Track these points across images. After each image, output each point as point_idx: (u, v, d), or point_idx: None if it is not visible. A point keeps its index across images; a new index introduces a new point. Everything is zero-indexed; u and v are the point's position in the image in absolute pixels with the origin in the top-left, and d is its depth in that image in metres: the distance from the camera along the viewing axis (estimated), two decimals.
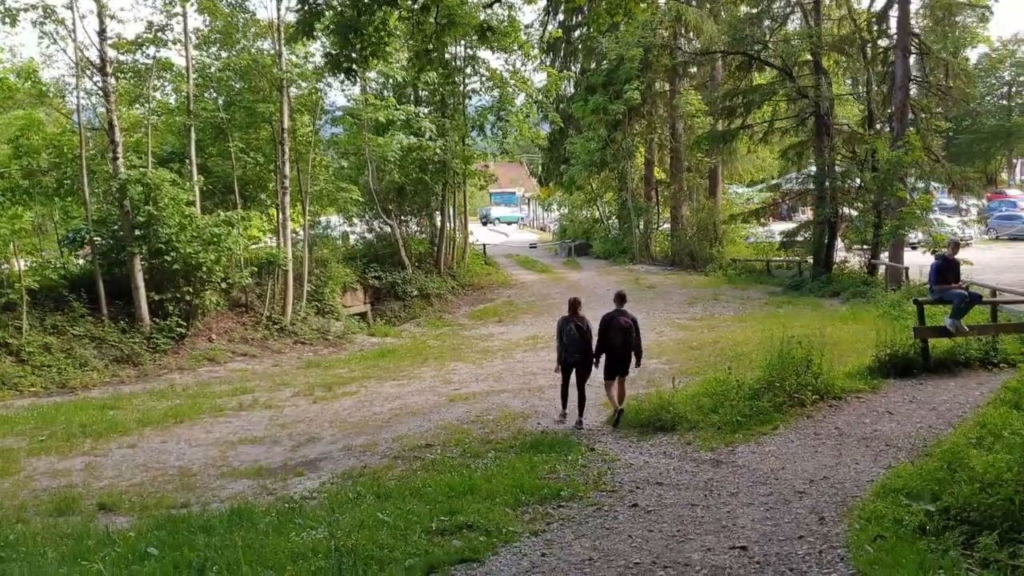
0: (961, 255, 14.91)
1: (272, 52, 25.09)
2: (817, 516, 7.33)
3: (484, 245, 43.30)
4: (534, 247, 50.56)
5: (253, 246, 25.59)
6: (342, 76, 11.44)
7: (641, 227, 39.35)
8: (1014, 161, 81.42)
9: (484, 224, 74.66)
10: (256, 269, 24.46)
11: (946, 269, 13.88)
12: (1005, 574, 5.42)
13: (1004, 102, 75.09)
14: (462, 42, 31.01)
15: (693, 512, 7.69)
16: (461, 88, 33.88)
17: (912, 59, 26.59)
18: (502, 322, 26.31)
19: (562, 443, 10.72)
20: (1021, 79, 75.18)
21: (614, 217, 43.78)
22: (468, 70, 33.87)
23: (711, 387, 12.21)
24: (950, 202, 45.76)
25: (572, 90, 43.07)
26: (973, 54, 58.77)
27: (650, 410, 11.68)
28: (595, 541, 7.04)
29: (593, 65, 40.23)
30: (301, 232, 26.82)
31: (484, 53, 34.14)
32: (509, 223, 74.95)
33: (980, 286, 14.63)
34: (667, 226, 40.55)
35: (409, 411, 14.19)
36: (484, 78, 34.85)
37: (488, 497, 8.32)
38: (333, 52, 11.02)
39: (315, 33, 11.01)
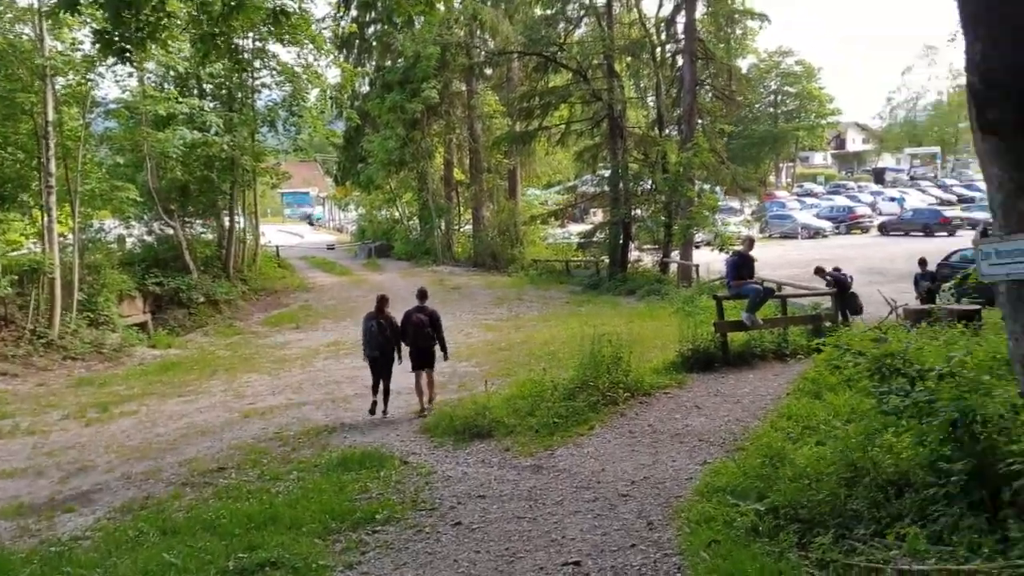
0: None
1: (32, 37, 22.43)
2: (645, 521, 7.06)
3: (277, 247, 41.38)
4: (332, 248, 49.04)
5: (13, 252, 22.77)
6: (115, 60, 10.11)
7: (443, 228, 39.04)
8: (780, 165, 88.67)
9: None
10: (17, 278, 21.74)
11: (742, 265, 14.36)
12: (840, 574, 5.31)
13: (772, 110, 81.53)
14: (250, 34, 29.34)
15: (520, 526, 7.21)
16: (250, 82, 32.04)
17: (698, 64, 27.86)
18: (300, 328, 24.98)
19: (373, 457, 9.93)
20: (786, 88, 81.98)
21: (415, 218, 43.21)
22: (257, 63, 32.08)
23: (526, 389, 11.88)
24: (730, 203, 48.90)
25: (368, 88, 42.09)
26: (744, 64, 63.19)
27: (465, 416, 11.14)
28: (418, 570, 6.39)
29: (389, 62, 39.45)
30: (71, 236, 24.19)
31: (275, 47, 32.51)
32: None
33: (771, 281, 15.29)
34: (469, 227, 40.48)
35: (198, 430, 12.81)
36: (275, 72, 33.16)
37: (293, 526, 7.45)
38: (105, 30, 9.67)
39: (80, 7, 9.61)
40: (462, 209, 41.25)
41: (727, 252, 23.27)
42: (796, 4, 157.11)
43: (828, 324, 15.29)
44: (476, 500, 8.05)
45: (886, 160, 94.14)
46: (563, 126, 31.64)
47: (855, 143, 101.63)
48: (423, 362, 12.33)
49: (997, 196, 5.62)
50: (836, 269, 17.45)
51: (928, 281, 18.18)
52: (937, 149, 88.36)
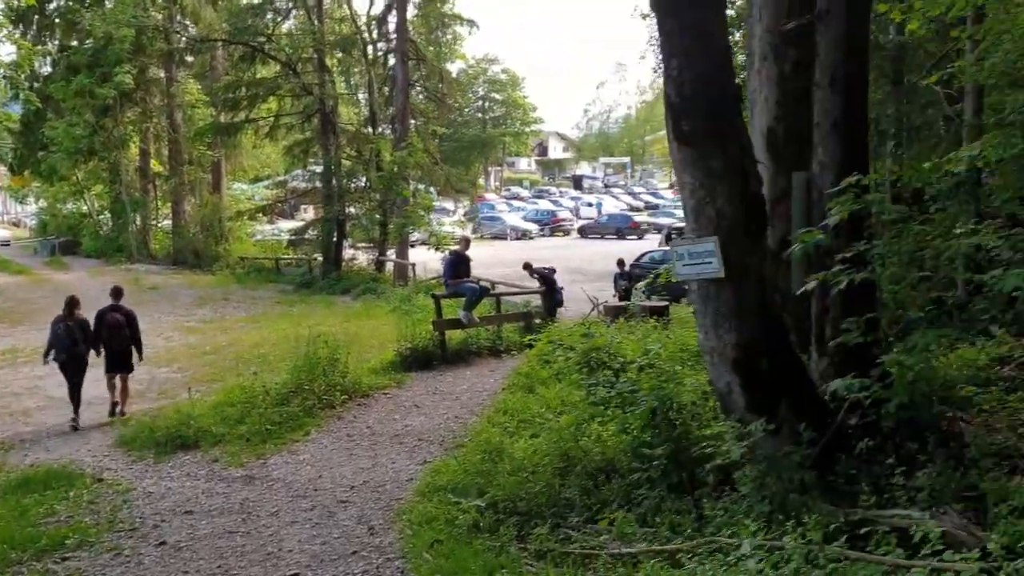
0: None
1: None
2: (366, 526, 6.90)
3: None
4: (6, 245, 43.60)
5: None
6: None
7: (138, 223, 36.06)
8: (489, 169, 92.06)
9: None
10: None
11: (458, 264, 14.64)
12: (557, 563, 5.49)
13: (480, 115, 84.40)
14: None
15: (233, 541, 6.75)
16: None
17: (411, 65, 28.09)
18: None
19: (60, 476, 8.83)
20: (492, 95, 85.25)
21: (107, 212, 39.48)
22: None
23: (235, 395, 11.21)
24: (443, 204, 49.92)
25: (51, 68, 37.84)
26: (453, 69, 64.84)
27: (167, 426, 10.28)
28: None
29: (76, 42, 35.72)
30: None
31: None
32: None
33: (486, 280, 15.75)
34: (168, 222, 37.74)
35: None
36: None
37: None
38: None
39: None
40: (160, 203, 38.35)
41: (442, 251, 23.70)
42: (530, 4, 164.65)
43: (538, 321, 16.05)
44: (182, 517, 7.43)
45: (584, 168, 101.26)
46: (272, 119, 30.48)
47: (556, 151, 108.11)
48: (118, 364, 11.63)
49: (690, 202, 6.11)
50: (551, 270, 18.35)
51: (625, 280, 19.68)
52: (627, 159, 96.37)
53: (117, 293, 12.12)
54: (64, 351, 11.29)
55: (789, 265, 6.84)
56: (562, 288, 17.64)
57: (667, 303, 15.59)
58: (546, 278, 19.14)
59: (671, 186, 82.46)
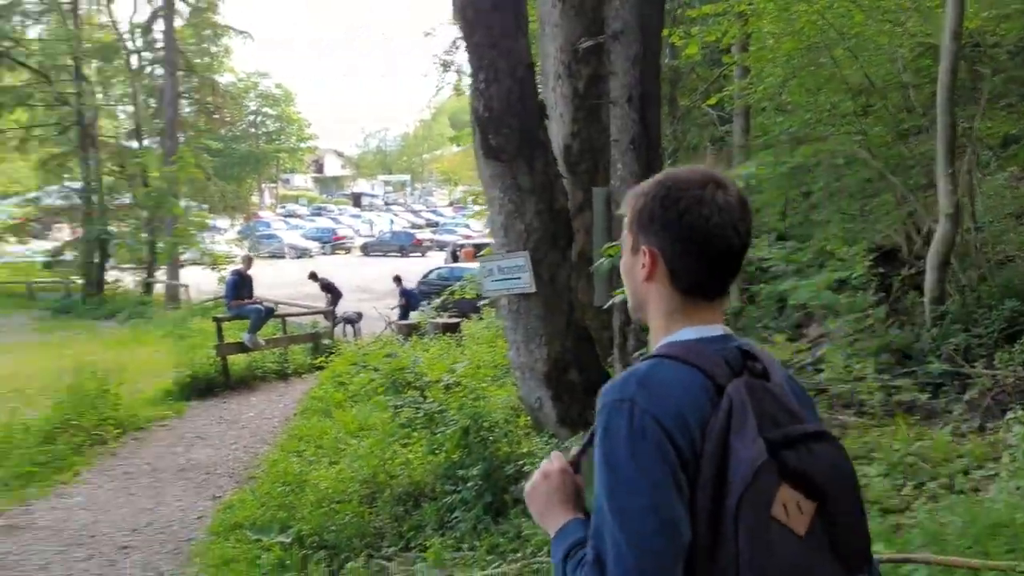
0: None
1: None
2: (155, 574, 6.27)
3: None
4: None
5: None
6: None
7: None
8: (263, 186, 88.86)
9: None
10: None
11: (241, 284, 13.86)
12: None
13: (253, 130, 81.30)
14: None
15: None
16: None
17: (180, 76, 26.51)
18: None
19: None
20: (264, 109, 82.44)
21: None
22: None
23: None
24: (216, 222, 47.40)
25: None
26: (223, 81, 62.08)
27: None
28: None
29: None
30: None
31: None
32: None
33: (271, 301, 15.02)
34: None
35: None
36: None
37: None
38: None
39: None
40: None
41: (219, 271, 22.47)
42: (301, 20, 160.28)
43: (327, 341, 15.56)
44: None
45: (362, 185, 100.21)
46: (22, 130, 27.63)
47: (334, 168, 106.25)
48: None
49: (498, 217, 6.08)
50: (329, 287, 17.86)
51: (403, 298, 19.52)
52: (407, 177, 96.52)
53: None
54: None
55: (590, 278, 7.00)
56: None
57: (459, 320, 15.64)
58: (331, 287, 18.79)
59: (451, 204, 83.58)
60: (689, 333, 1.46)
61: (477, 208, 68.14)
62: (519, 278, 5.94)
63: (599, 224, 6.92)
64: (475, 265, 25.17)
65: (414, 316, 16.98)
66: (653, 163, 6.78)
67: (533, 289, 5.90)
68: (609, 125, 6.96)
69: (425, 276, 24.89)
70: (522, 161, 5.84)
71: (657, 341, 1.51)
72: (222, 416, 11.51)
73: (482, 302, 15.07)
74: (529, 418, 6.50)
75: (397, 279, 19.97)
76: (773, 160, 8.92)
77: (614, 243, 5.98)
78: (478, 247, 30.08)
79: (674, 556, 1.29)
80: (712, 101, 10.16)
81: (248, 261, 14.51)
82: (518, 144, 5.80)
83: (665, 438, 1.31)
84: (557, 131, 8.01)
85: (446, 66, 20.92)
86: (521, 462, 5.85)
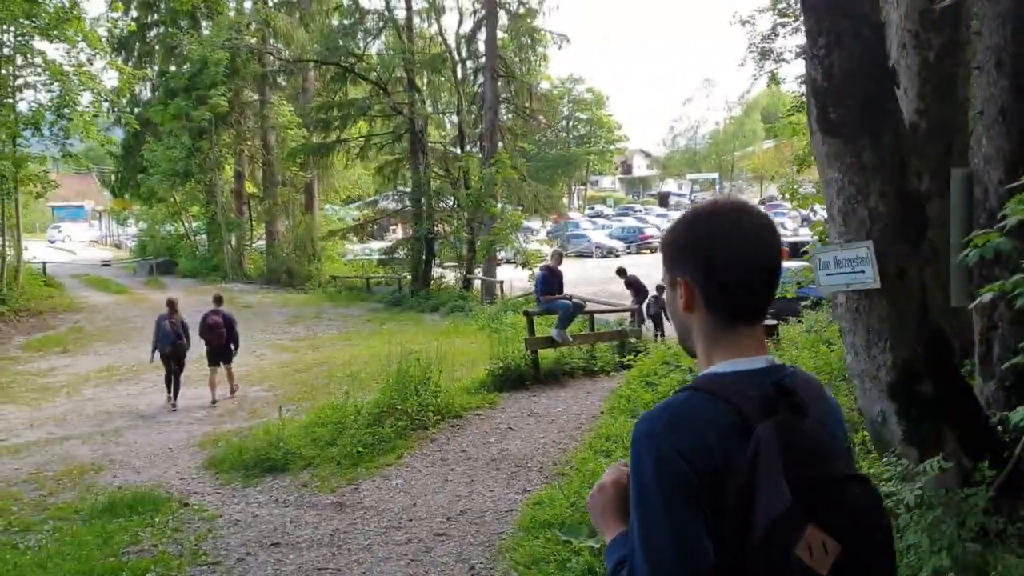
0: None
1: None
2: (467, 565, 6.27)
3: (45, 264, 37.30)
4: (107, 265, 44.94)
5: None
6: None
7: (233, 243, 36.71)
8: (572, 188, 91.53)
9: (51, 243, 63.61)
10: None
11: (551, 280, 13.98)
12: None
13: (564, 134, 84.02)
14: (11, 28, 26.29)
15: None
16: (11, 81, 28.62)
17: (500, 82, 27.75)
18: (68, 352, 22.23)
19: (147, 499, 8.48)
20: (577, 114, 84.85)
21: (203, 233, 40.38)
22: (19, 59, 28.73)
23: (326, 415, 10.77)
24: (528, 224, 49.42)
25: (150, 93, 39.05)
26: (540, 87, 64.62)
27: (255, 448, 9.91)
28: None
29: (173, 68, 36.76)
30: None
31: (42, 44, 29.24)
32: None
33: (580, 297, 15.06)
34: (262, 243, 38.29)
35: None
36: (40, 70, 29.81)
37: None
38: None
39: None
40: (255, 224, 38.97)
41: (530, 268, 23.14)
42: (614, 22, 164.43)
43: (633, 340, 15.29)
44: (269, 549, 6.92)
45: (669, 185, 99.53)
46: (363, 139, 30.53)
47: (640, 169, 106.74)
48: (219, 358, 13.90)
49: (836, 201, 5.33)
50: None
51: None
52: (716, 175, 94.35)
53: (218, 300, 14.66)
54: (169, 344, 13.43)
55: (941, 274, 5.99)
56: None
57: (775, 322, 14.66)
58: (636, 285, 18.41)
59: (762, 202, 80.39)
60: (727, 366, 1.52)
61: (788, 208, 65.06)
62: (861, 271, 5.16)
63: (958, 210, 5.88)
64: (792, 264, 23.72)
65: None
66: None
67: (877, 284, 5.09)
68: (964, 100, 5.90)
69: None
70: (866, 136, 5.05)
71: (701, 370, 1.57)
72: (532, 409, 11.62)
73: (804, 303, 14.01)
74: (867, 434, 5.67)
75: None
76: None
77: (987, 230, 4.98)
78: (793, 246, 28.44)
79: None
80: None
81: (558, 257, 14.63)
82: (862, 116, 5.03)
83: (691, 471, 1.39)
84: (902, 108, 7.01)
85: (765, 54, 19.84)
86: None
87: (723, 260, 1.51)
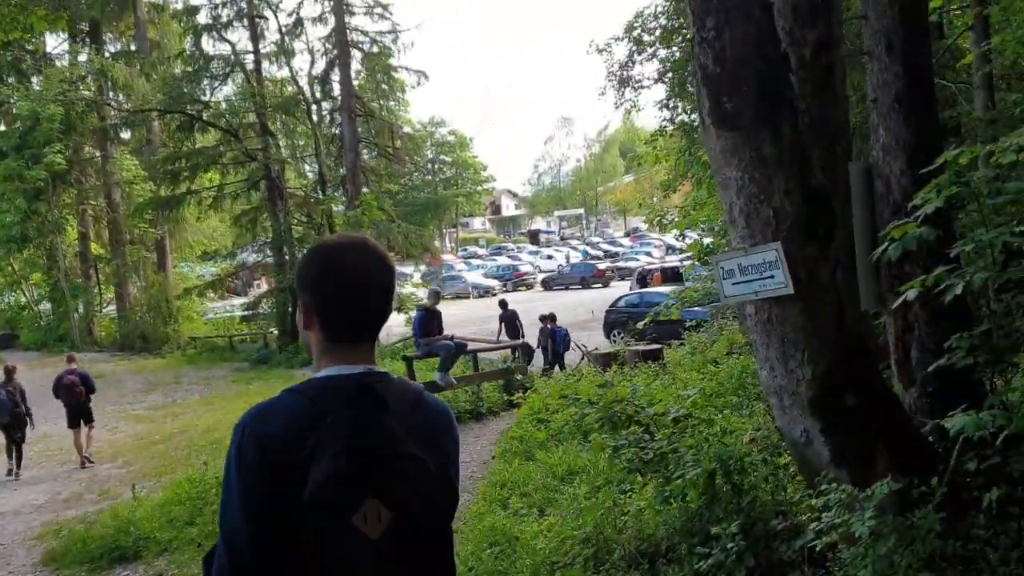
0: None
1: None
2: None
3: None
4: None
5: None
6: None
7: (81, 310, 34.07)
8: (443, 231, 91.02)
9: None
10: None
11: (430, 321, 13.19)
12: None
13: (430, 177, 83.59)
14: None
15: None
16: None
17: (359, 122, 26.93)
18: None
19: None
20: (442, 157, 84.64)
21: (45, 301, 37.34)
22: None
23: (183, 491, 9.62)
24: (400, 269, 48.35)
25: None
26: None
27: (103, 536, 8.70)
28: None
29: (2, 126, 34.12)
30: None
31: None
32: None
33: (461, 337, 14.30)
34: (113, 307, 35.72)
35: None
36: None
37: None
38: None
39: None
40: (103, 287, 36.35)
41: (406, 312, 22.27)
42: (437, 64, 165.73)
43: (519, 377, 14.70)
44: None
45: (538, 222, 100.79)
46: (215, 189, 28.94)
47: (509, 208, 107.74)
48: (81, 417, 13.62)
49: (737, 202, 4.81)
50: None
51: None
52: (582, 210, 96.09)
53: (70, 359, 14.80)
54: (7, 413, 12.90)
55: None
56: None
57: (660, 346, 14.36)
58: (508, 321, 17.98)
59: (627, 234, 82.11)
60: (328, 371, 1.80)
61: (654, 236, 66.70)
62: (771, 276, 4.64)
63: (860, 206, 5.47)
64: (665, 289, 23.81)
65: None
66: (926, 126, 5.29)
67: (791, 290, 4.58)
68: (843, 97, 5.51)
69: (614, 304, 23.77)
70: (765, 127, 4.56)
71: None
72: None
73: (689, 324, 13.73)
74: (791, 456, 5.13)
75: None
76: None
77: (904, 221, 4.53)
78: (667, 271, 28.66)
79: (252, 554, 1.61)
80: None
81: (436, 296, 13.84)
82: (760, 105, 4.54)
83: (264, 454, 1.63)
84: None
85: (624, 82, 19.81)
86: (791, 513, 4.51)
87: (328, 289, 1.79)
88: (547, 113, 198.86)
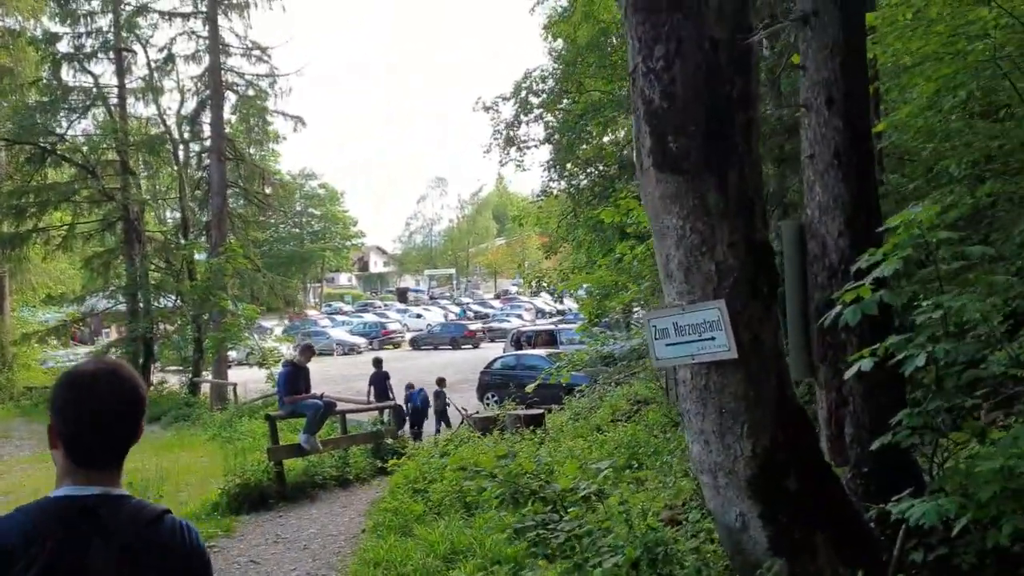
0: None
1: None
2: None
3: None
4: None
5: None
6: None
7: None
8: (308, 285, 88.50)
9: None
10: None
11: (297, 377, 12.13)
12: None
13: (297, 230, 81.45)
14: None
15: None
16: None
17: (228, 166, 25.60)
18: None
19: None
20: (310, 210, 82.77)
21: None
22: None
23: None
24: (260, 323, 46.24)
25: None
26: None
27: None
28: None
29: None
30: None
31: None
32: None
33: (330, 396, 13.29)
34: None
35: None
36: None
37: None
38: None
39: None
40: None
41: (268, 368, 20.98)
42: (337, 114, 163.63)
43: (390, 440, 13.81)
44: None
45: (407, 281, 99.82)
46: (66, 228, 26.77)
47: (377, 265, 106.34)
48: None
49: (676, 254, 4.30)
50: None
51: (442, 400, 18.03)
52: (453, 270, 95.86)
53: None
54: None
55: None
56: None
57: (542, 411, 13.81)
58: (377, 382, 17.34)
59: (497, 296, 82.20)
60: (62, 491, 1.89)
61: (524, 299, 66.95)
62: (711, 338, 4.13)
63: (793, 268, 5.10)
64: (541, 352, 23.44)
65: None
66: (866, 185, 4.97)
67: (734, 354, 4.08)
68: (758, 157, 5.19)
69: (489, 366, 23.18)
70: (711, 173, 4.10)
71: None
72: (279, 534, 9.62)
73: (574, 387, 13.26)
74: (721, 542, 4.58)
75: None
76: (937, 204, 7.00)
77: (860, 284, 4.10)
78: (543, 333, 28.38)
79: None
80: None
81: (308, 351, 12.76)
82: (707, 148, 4.08)
83: None
84: None
85: (509, 141, 19.62)
86: None
87: (71, 416, 1.90)
88: (420, 172, 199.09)
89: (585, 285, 14.55)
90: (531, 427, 12.48)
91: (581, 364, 10.59)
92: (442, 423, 17.39)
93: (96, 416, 1.87)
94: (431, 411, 17.54)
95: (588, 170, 17.92)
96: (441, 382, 18.25)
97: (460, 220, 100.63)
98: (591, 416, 13.46)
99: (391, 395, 17.25)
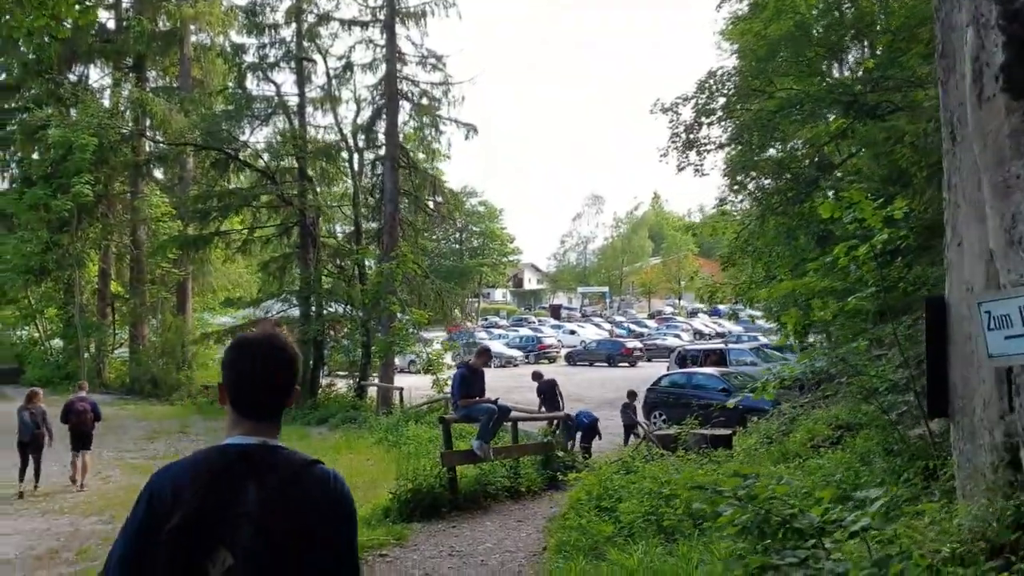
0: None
1: None
2: None
3: None
4: None
5: None
6: None
7: (92, 349, 32.64)
8: (465, 300, 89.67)
9: None
10: None
11: (472, 380, 11.55)
12: None
13: (457, 246, 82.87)
14: None
15: None
16: None
17: (401, 173, 25.76)
18: None
19: None
20: (471, 227, 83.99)
21: (58, 338, 35.93)
22: None
23: None
24: (422, 334, 46.86)
25: (6, 184, 35.35)
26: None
27: None
28: None
29: (36, 155, 33.31)
30: None
31: None
32: None
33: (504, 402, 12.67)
34: (125, 349, 34.26)
35: None
36: None
37: None
38: None
39: None
40: (118, 327, 34.95)
41: (434, 374, 20.74)
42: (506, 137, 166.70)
43: (560, 453, 13.03)
44: None
45: (560, 298, 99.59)
46: (246, 231, 27.70)
47: (531, 282, 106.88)
48: (82, 444, 14.18)
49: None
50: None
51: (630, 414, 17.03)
52: (606, 288, 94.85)
53: (81, 387, 16.19)
54: (29, 432, 13.47)
55: None
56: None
57: (731, 432, 12.67)
58: (546, 392, 16.56)
59: (651, 316, 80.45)
60: (230, 439, 2.12)
61: (680, 320, 64.99)
62: None
63: None
64: (711, 371, 22.13)
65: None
66: None
67: None
68: None
69: (656, 383, 22.05)
70: None
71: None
72: (453, 546, 8.98)
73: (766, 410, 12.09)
74: None
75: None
76: None
77: None
78: (712, 353, 26.95)
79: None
80: None
81: (485, 354, 12.18)
82: None
83: (149, 505, 2.01)
84: None
85: (689, 145, 18.57)
86: None
87: (235, 373, 2.16)
88: (577, 189, 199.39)
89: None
90: (718, 448, 11.41)
91: (791, 380, 9.46)
92: (631, 436, 16.46)
93: (257, 374, 2.11)
94: (620, 424, 16.80)
95: (780, 173, 16.60)
96: (632, 395, 17.39)
97: (615, 238, 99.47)
98: (785, 441, 12.20)
99: (561, 403, 16.55)
